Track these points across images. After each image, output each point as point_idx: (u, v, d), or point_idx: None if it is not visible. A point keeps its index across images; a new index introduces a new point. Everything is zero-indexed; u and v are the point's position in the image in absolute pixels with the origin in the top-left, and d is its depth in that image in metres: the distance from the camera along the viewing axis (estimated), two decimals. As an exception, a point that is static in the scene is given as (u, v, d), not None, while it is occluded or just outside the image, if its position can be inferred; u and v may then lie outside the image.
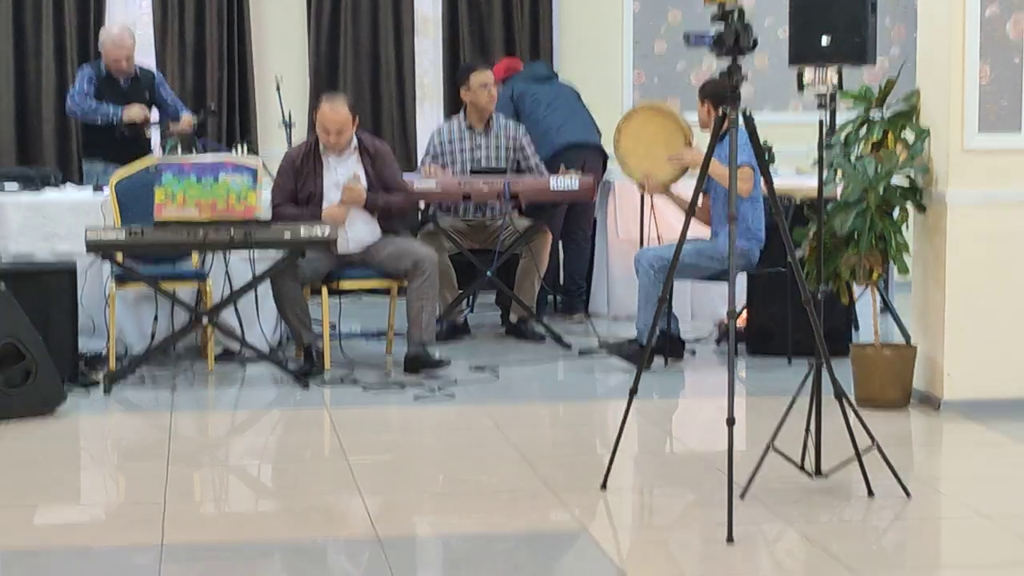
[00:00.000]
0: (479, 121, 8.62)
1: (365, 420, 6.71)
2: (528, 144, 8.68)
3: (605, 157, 9.11)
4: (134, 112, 8.63)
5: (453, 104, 9.95)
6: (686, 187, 7.46)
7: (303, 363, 7.56)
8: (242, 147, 8.80)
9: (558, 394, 7.34)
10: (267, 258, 7.57)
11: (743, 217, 7.53)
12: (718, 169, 7.24)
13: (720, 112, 5.19)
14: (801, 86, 5.96)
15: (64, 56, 10.08)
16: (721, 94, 5.64)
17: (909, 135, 6.68)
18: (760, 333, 8.06)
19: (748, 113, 5.13)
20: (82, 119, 8.83)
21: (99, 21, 10.08)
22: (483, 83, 8.56)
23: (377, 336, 8.50)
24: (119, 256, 7.41)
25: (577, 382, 7.60)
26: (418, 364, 7.52)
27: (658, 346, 7.62)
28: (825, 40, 6.24)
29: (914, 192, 6.67)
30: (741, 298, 8.12)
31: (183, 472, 5.81)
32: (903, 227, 6.72)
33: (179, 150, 8.45)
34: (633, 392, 5.40)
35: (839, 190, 6.86)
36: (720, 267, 7.65)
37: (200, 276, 7.81)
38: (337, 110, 7.66)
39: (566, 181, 8.37)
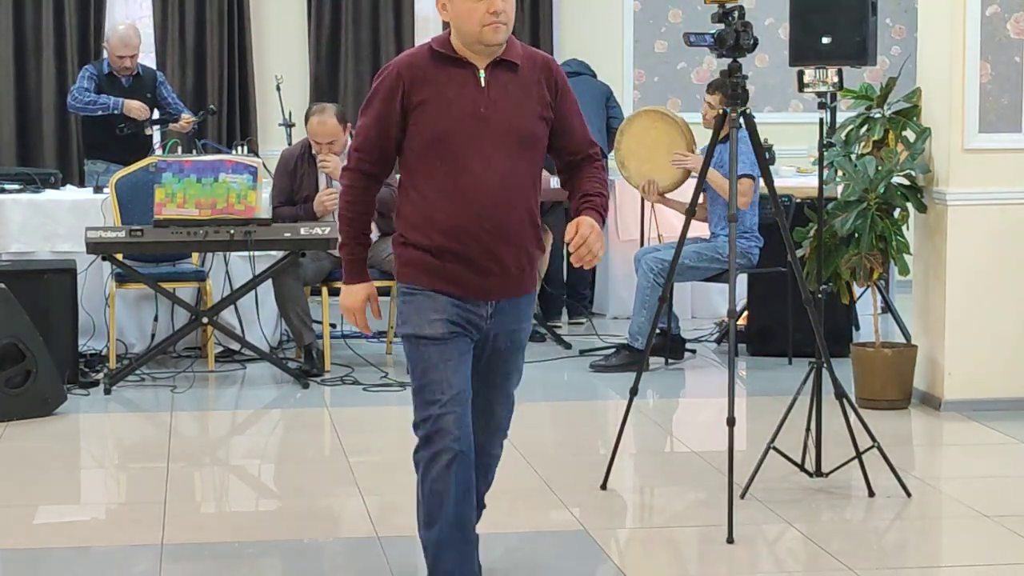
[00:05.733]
0: None
1: (365, 420, 6.71)
2: None
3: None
4: (135, 107, 8.63)
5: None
6: (683, 194, 7.47)
7: (304, 363, 7.56)
8: (242, 147, 8.80)
9: (558, 394, 7.33)
10: (267, 257, 7.57)
11: (740, 218, 7.53)
12: (716, 179, 7.26)
13: (721, 111, 5.19)
14: (802, 86, 5.96)
15: (64, 56, 10.07)
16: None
17: (910, 134, 6.68)
18: (761, 333, 8.06)
19: (749, 112, 5.13)
20: (83, 113, 8.82)
21: (99, 21, 10.08)
22: None
23: (378, 336, 8.50)
24: (119, 256, 7.41)
25: (577, 382, 7.59)
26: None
27: (658, 346, 7.62)
28: (825, 40, 6.24)
29: (915, 192, 6.67)
30: (742, 298, 8.12)
31: (183, 472, 5.81)
32: (904, 227, 6.72)
33: (179, 150, 8.45)
34: (633, 392, 5.40)
35: (839, 190, 6.86)
36: (720, 267, 7.65)
37: (200, 276, 7.81)
38: (324, 122, 7.68)
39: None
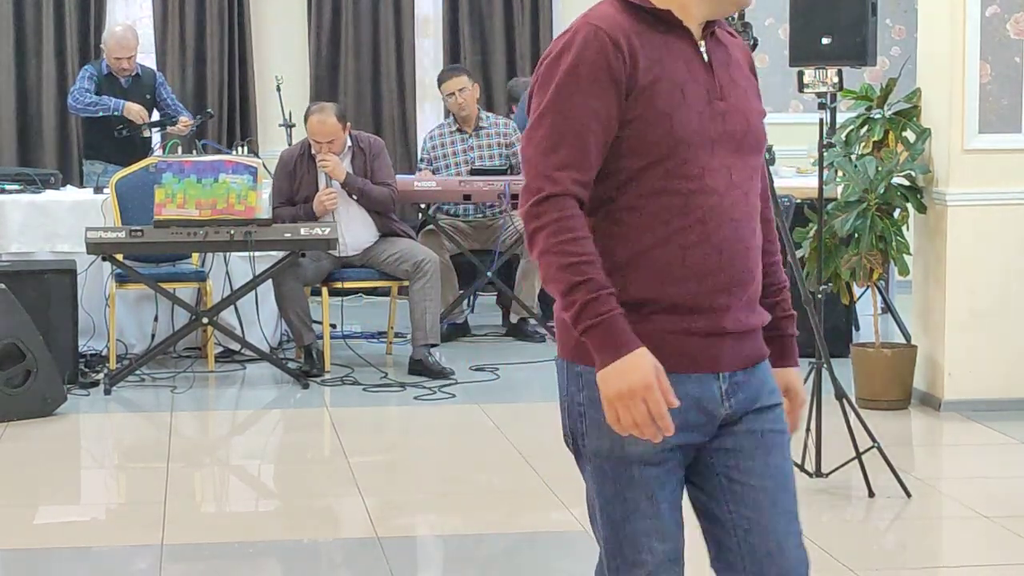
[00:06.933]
0: (466, 123, 8.65)
1: (365, 420, 6.71)
2: (518, 140, 8.69)
3: None
4: (134, 110, 8.63)
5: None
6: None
7: (303, 363, 7.56)
8: (242, 148, 8.80)
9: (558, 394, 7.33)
10: (267, 258, 7.57)
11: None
12: None
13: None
14: (802, 86, 5.95)
15: (64, 56, 10.08)
16: None
17: (910, 135, 6.68)
18: (760, 333, 8.05)
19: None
20: (83, 113, 8.82)
21: (99, 21, 10.09)
22: (448, 92, 8.67)
23: (378, 336, 8.50)
24: (119, 256, 7.41)
25: (577, 382, 7.58)
26: (422, 369, 7.52)
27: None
28: (825, 40, 6.24)
29: (915, 192, 6.67)
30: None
31: (183, 472, 5.81)
32: (903, 227, 6.72)
33: (179, 150, 8.45)
34: (633, 392, 5.37)
35: (839, 190, 6.86)
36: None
37: (200, 276, 7.81)
38: (324, 121, 7.66)
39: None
